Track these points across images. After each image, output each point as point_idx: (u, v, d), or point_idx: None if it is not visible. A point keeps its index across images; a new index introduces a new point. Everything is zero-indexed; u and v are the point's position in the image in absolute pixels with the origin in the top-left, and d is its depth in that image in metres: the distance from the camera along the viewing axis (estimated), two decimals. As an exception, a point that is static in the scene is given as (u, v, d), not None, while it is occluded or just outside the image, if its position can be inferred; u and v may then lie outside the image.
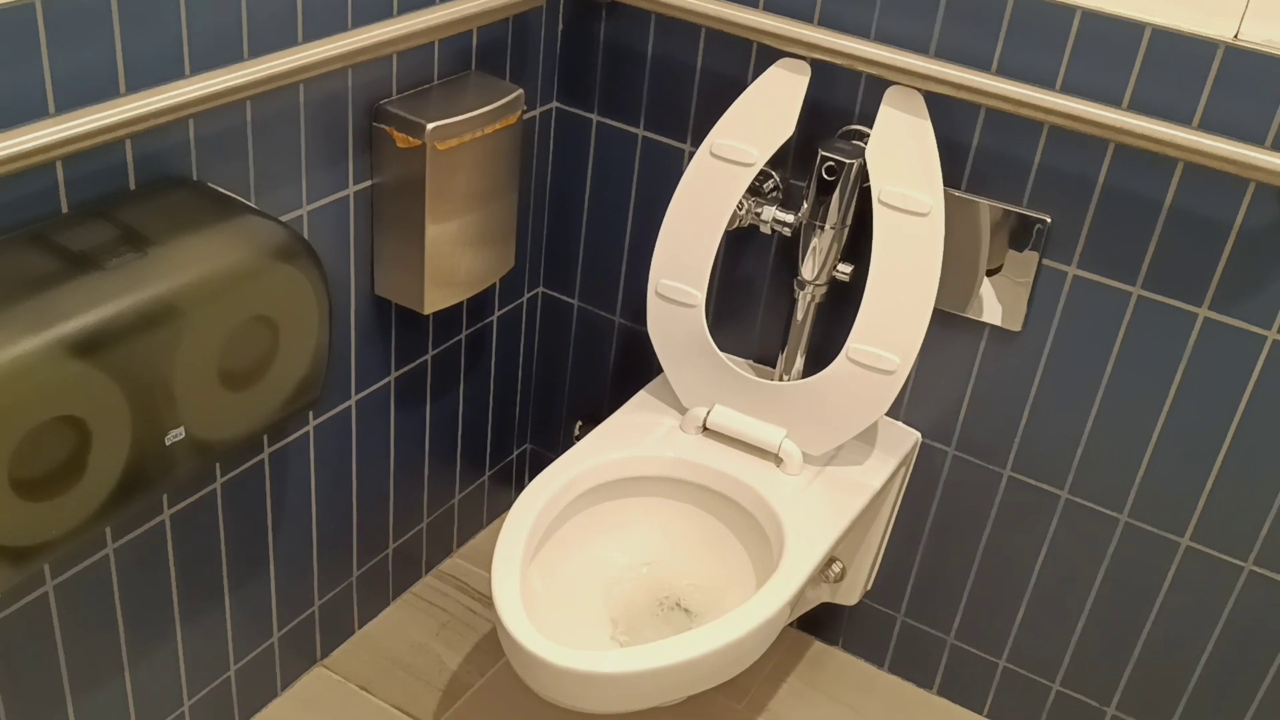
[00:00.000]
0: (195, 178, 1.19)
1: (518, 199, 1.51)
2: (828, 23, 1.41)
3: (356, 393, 1.51)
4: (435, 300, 1.44)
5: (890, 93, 1.35)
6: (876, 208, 1.38)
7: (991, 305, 1.45)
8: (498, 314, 1.73)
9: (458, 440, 1.75)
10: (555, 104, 1.66)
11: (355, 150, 1.36)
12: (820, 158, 1.41)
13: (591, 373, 1.82)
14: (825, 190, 1.42)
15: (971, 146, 1.40)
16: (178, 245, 1.09)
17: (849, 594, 1.64)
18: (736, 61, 1.50)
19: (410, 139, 1.34)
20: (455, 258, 1.44)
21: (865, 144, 1.42)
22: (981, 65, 1.35)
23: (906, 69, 1.34)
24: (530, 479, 1.97)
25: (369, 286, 1.45)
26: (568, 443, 1.89)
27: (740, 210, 1.48)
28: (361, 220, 1.40)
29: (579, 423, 1.86)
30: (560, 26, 1.60)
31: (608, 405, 1.82)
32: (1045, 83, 1.33)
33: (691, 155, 1.58)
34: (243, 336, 1.14)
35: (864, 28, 1.39)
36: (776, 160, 1.50)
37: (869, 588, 1.67)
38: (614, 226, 1.69)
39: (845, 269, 1.47)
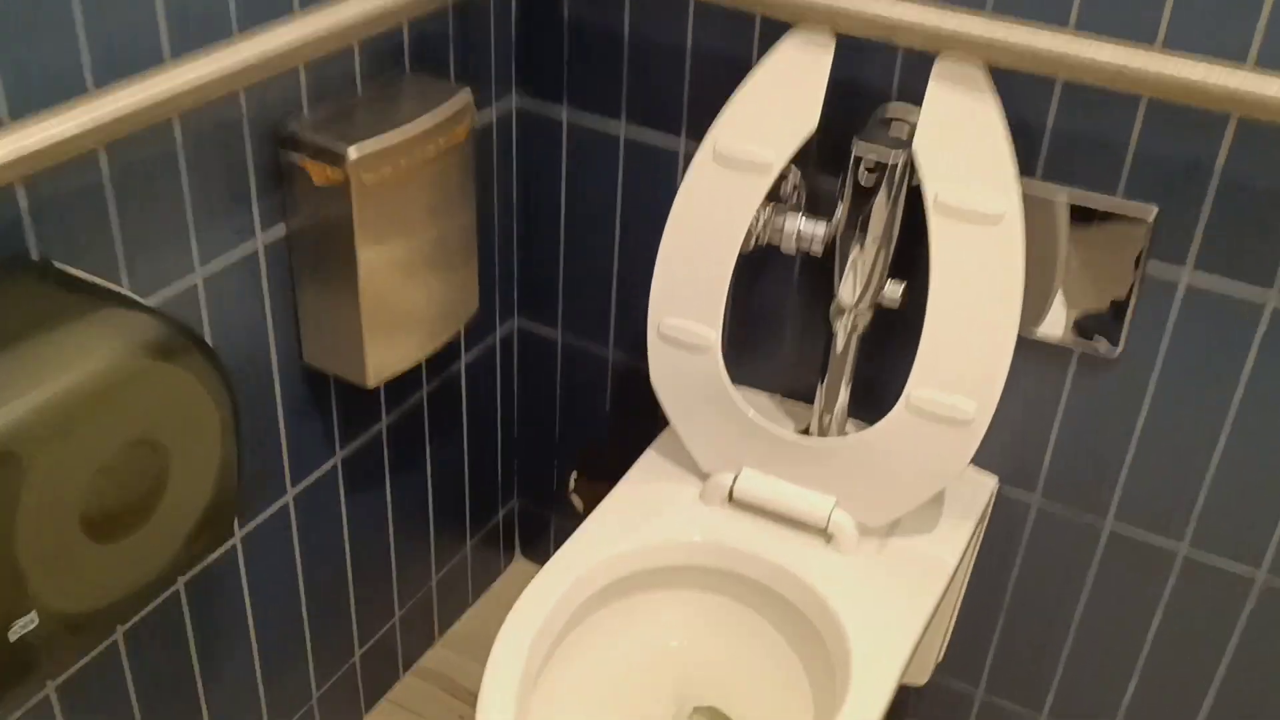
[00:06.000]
0: (36, 258, 0.89)
1: (477, 223, 1.21)
2: (854, -19, 1.10)
3: (294, 485, 1.21)
4: (381, 368, 1.14)
5: (940, 66, 1.05)
6: (933, 214, 1.08)
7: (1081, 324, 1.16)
8: (466, 359, 1.43)
9: (429, 513, 1.46)
10: (515, 100, 1.35)
11: (260, 190, 1.05)
12: (855, 154, 1.11)
13: (584, 416, 1.53)
14: (864, 194, 1.12)
15: (1046, 127, 1.10)
16: (3, 363, 0.79)
17: (918, 672, 1.36)
18: (736, 38, 1.20)
19: (329, 171, 1.03)
20: (402, 313, 1.14)
21: (911, 132, 1.12)
22: (1056, 21, 1.05)
23: (961, 36, 1.03)
24: (521, 537, 1.69)
25: (297, 355, 1.15)
26: (561, 496, 1.59)
27: (756, 225, 1.18)
28: (278, 277, 1.10)
29: (573, 473, 1.57)
30: (514, 5, 1.29)
31: (605, 453, 1.53)
32: (1142, 39, 1.02)
33: (688, 156, 1.28)
34: (115, 471, 0.85)
35: (902, -16, 1.09)
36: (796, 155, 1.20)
37: (940, 659, 1.39)
38: (598, 244, 1.39)
39: (895, 290, 1.17)
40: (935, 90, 1.06)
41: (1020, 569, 1.31)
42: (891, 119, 1.16)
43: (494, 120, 1.33)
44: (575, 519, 1.62)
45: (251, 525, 1.17)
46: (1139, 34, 1.02)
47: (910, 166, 1.11)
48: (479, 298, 1.25)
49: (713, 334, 1.18)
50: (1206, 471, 1.16)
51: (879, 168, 1.10)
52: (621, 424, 1.50)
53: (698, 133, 1.26)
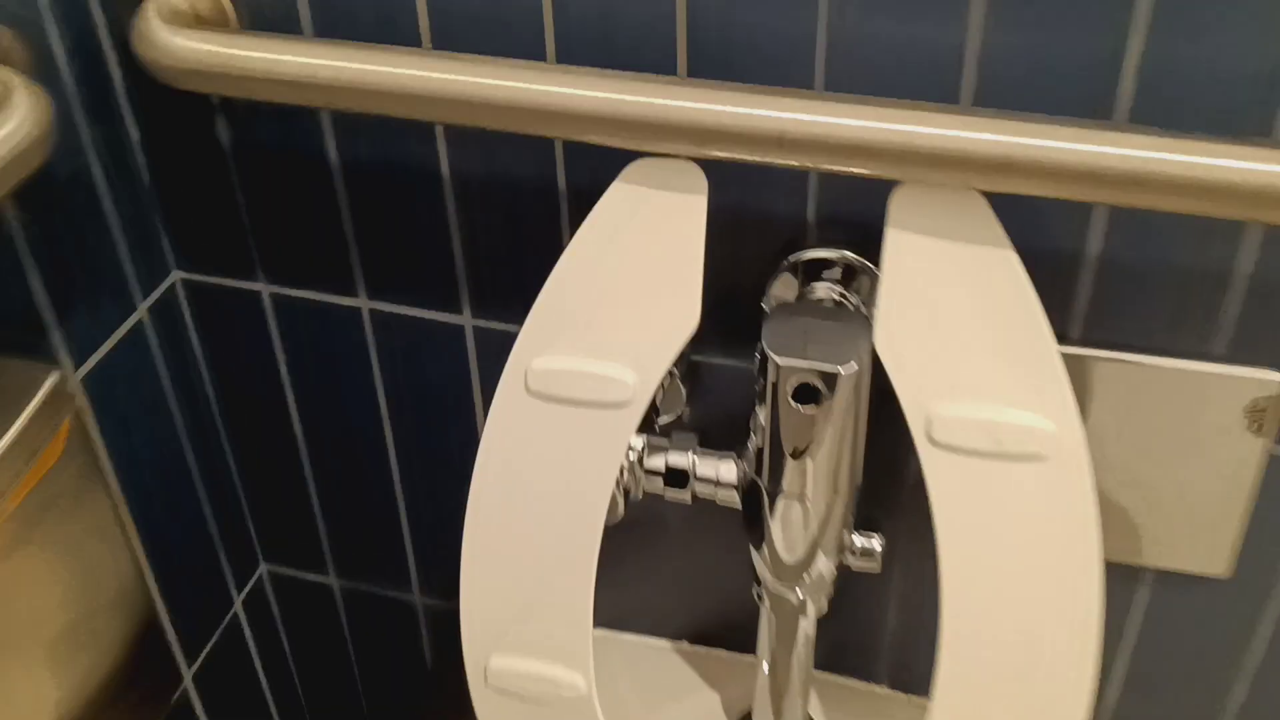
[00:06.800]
0: None
1: (135, 498, 0.70)
2: (709, 63, 0.61)
3: None
4: None
5: (902, 199, 0.57)
6: (926, 454, 0.61)
7: (1167, 536, 0.72)
8: (192, 672, 0.92)
9: None
10: (178, 274, 0.82)
11: None
12: (777, 369, 0.62)
13: (396, 678, 1.04)
14: (797, 428, 0.64)
15: (1084, 257, 0.64)
16: None
17: None
18: (528, 157, 0.69)
19: None
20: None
21: (856, 297, 0.65)
22: (1096, 109, 0.59)
23: (933, 152, 0.55)
24: None
25: None
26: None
27: (621, 479, 0.69)
28: None
29: (399, 745, 1.09)
30: (137, 137, 0.75)
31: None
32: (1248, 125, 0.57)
33: (477, 332, 0.78)
34: None
35: (803, 59, 0.60)
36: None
37: None
38: (363, 447, 0.88)
39: (867, 547, 0.71)
40: (900, 241, 0.58)
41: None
42: (809, 268, 0.68)
43: (149, 323, 0.80)
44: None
45: None
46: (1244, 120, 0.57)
47: (873, 365, 0.64)
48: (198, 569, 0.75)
49: (579, 679, 0.70)
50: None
51: (820, 391, 0.63)
52: (452, 682, 1.02)
53: (482, 296, 0.76)
